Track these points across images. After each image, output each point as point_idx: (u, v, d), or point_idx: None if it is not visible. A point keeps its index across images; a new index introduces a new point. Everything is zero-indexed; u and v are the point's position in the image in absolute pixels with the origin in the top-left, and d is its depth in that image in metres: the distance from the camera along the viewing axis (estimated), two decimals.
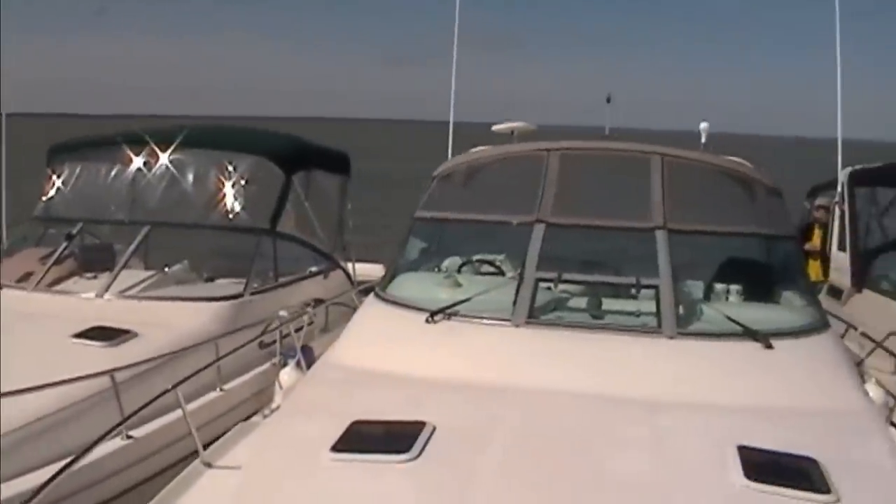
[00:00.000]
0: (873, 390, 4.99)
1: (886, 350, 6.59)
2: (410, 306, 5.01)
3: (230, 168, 8.21)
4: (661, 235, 4.95)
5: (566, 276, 5.06)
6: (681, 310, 4.75)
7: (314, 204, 8.93)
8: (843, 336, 6.85)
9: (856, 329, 6.86)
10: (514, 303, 4.78)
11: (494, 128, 8.26)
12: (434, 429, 3.66)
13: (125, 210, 8.18)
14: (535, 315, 4.75)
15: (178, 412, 4.42)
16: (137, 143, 8.42)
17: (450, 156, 9.25)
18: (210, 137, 9.04)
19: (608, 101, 7.85)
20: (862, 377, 5.21)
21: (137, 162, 8.36)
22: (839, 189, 9.56)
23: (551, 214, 5.12)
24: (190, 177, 8.31)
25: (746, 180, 6.12)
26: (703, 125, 7.67)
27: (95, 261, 7.82)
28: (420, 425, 3.66)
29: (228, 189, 8.12)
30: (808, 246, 10.79)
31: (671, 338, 4.58)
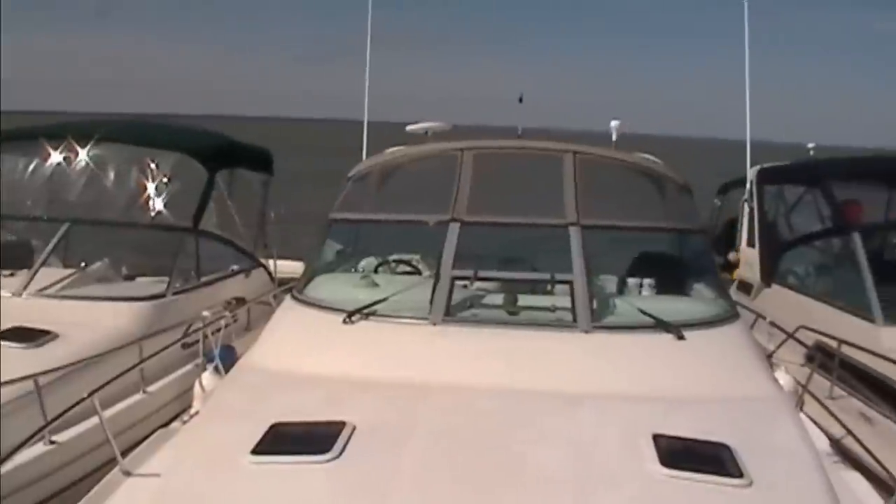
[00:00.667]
0: (782, 378, 5.20)
1: (797, 341, 6.86)
2: (328, 307, 5.03)
3: (152, 165, 8.15)
4: (574, 232, 5.03)
5: (482, 273, 5.10)
6: (595, 304, 4.84)
7: (237, 202, 8.91)
8: (752, 327, 7.14)
9: (764, 318, 7.11)
10: (431, 301, 4.83)
11: (409, 128, 8.34)
12: (354, 428, 3.69)
13: (44, 206, 8.05)
14: (451, 313, 4.80)
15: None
16: (57, 138, 8.29)
17: (364, 155, 9.33)
18: (132, 134, 8.96)
19: (520, 100, 7.96)
20: (771, 366, 5.44)
21: (57, 157, 8.25)
22: (748, 186, 9.84)
23: (466, 213, 5.17)
24: (111, 173, 8.25)
25: (657, 177, 6.32)
26: (614, 123, 7.83)
27: (13, 258, 7.65)
28: (340, 425, 3.69)
29: (151, 186, 8.06)
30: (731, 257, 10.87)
31: (586, 332, 4.66)
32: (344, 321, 4.81)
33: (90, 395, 4.34)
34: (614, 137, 7.67)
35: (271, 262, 9.45)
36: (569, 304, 4.80)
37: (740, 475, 3.43)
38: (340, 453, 3.49)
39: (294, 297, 5.41)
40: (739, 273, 9.71)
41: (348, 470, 3.41)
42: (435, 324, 4.73)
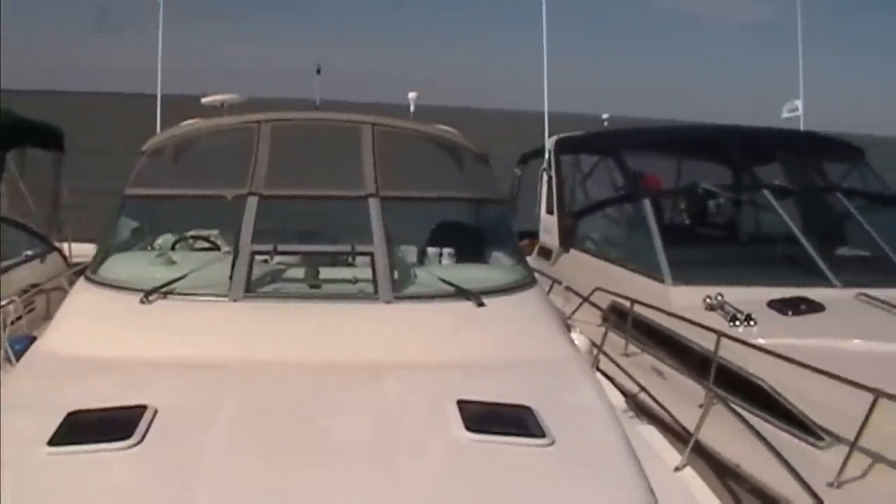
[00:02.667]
0: (578, 340, 5.42)
1: (591, 304, 7.18)
2: (123, 287, 4.85)
3: None
4: (373, 203, 5.04)
5: (282, 247, 5.03)
6: (396, 275, 4.87)
7: (28, 183, 8.50)
8: (550, 291, 7.42)
9: (560, 283, 7.39)
10: (231, 278, 4.74)
11: (204, 100, 8.14)
12: (156, 412, 3.57)
13: None
14: (252, 289, 4.73)
15: None
16: None
17: (159, 129, 9.04)
18: None
19: (318, 72, 7.93)
20: (568, 328, 5.66)
21: None
22: (546, 156, 10.15)
23: (264, 187, 5.09)
24: None
25: (454, 147, 6.37)
26: (412, 95, 7.88)
27: None
28: (141, 409, 3.57)
29: None
30: None
31: (388, 302, 4.69)
32: (141, 301, 4.64)
33: None
34: (412, 108, 7.73)
35: (66, 245, 9.03)
36: (370, 276, 4.82)
37: (543, 435, 3.55)
38: (142, 438, 3.37)
39: (87, 279, 5.16)
40: (540, 239, 10.01)
41: (151, 455, 3.31)
42: (235, 300, 4.64)
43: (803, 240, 7.77)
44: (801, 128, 10.96)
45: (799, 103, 11.10)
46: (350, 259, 5.34)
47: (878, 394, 4.70)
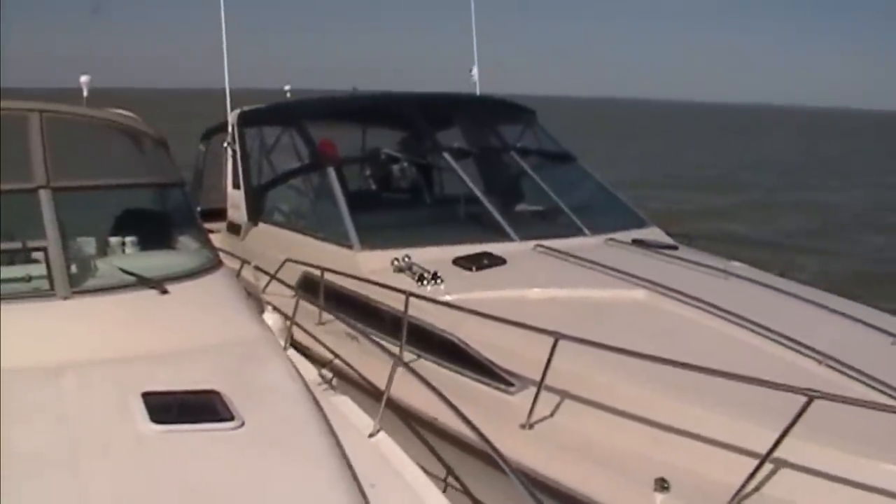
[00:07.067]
0: (270, 318, 5.43)
1: (279, 280, 7.20)
2: None
3: None
4: (45, 195, 4.75)
5: None
6: (74, 268, 4.68)
7: None
8: (240, 271, 7.36)
9: (249, 263, 7.36)
10: None
11: None
12: None
13: None
14: None
15: None
16: None
17: None
18: None
19: None
20: (261, 306, 5.62)
21: None
22: (230, 130, 10.00)
23: None
24: None
25: (132, 132, 6.17)
26: (84, 79, 7.51)
27: None
28: None
29: None
30: None
31: (66, 298, 4.47)
32: None
33: None
34: (85, 93, 7.38)
35: None
36: (45, 272, 4.58)
37: (231, 418, 3.57)
38: None
39: None
40: (228, 215, 9.87)
41: None
42: None
43: (483, 198, 8.16)
44: (478, 92, 11.40)
45: (475, 70, 11.51)
46: (28, 256, 5.00)
47: (556, 336, 4.97)
